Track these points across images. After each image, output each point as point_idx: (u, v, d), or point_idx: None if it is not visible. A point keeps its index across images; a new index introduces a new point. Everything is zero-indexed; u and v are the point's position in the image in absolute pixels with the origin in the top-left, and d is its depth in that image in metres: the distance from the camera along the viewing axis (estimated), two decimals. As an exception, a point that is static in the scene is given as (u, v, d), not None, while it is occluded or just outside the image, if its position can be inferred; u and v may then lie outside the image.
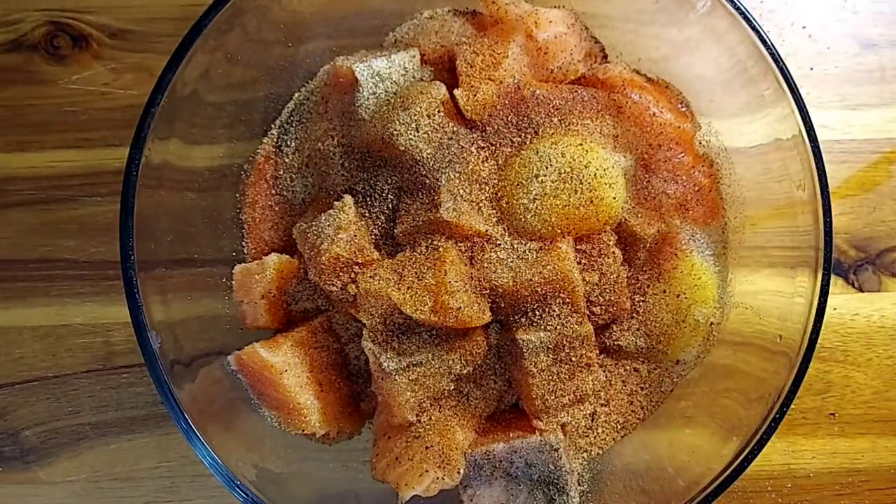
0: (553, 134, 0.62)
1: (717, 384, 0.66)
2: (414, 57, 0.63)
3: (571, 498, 0.61)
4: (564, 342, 0.59)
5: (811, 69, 0.75)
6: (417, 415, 0.60)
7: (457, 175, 0.60)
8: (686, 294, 0.64)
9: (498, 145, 0.62)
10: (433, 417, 0.61)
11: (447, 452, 0.60)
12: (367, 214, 0.62)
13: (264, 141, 0.68)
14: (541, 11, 0.64)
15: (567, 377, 0.60)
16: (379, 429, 0.63)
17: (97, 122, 0.74)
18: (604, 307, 0.62)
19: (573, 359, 0.59)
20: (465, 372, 0.60)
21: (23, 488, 0.72)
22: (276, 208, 0.67)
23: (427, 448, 0.59)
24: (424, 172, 0.60)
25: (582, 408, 0.61)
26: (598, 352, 0.63)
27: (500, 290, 0.59)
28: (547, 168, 0.60)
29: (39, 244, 0.73)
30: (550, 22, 0.64)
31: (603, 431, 0.67)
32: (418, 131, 0.59)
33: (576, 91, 0.63)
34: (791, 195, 0.60)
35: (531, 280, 0.58)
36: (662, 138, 0.63)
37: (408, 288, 0.58)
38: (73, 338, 0.73)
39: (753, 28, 0.58)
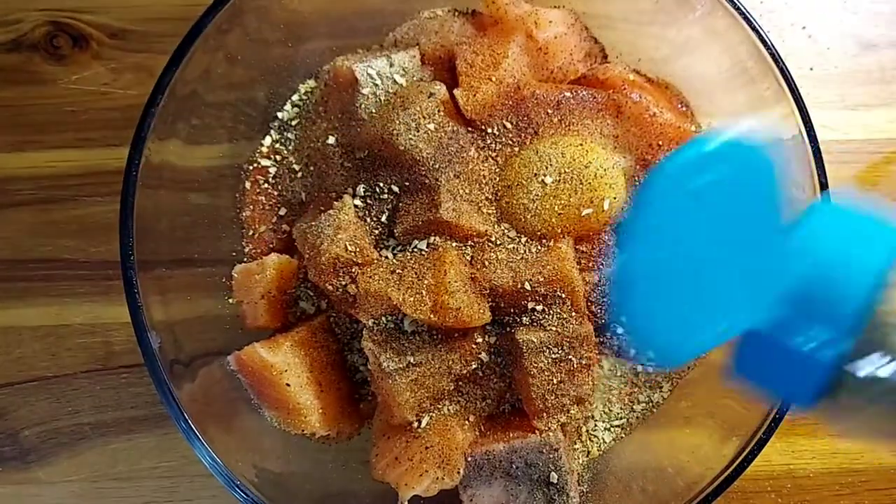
0: (553, 134, 0.62)
1: (717, 384, 0.66)
2: (414, 57, 0.63)
3: (571, 498, 0.61)
4: (564, 342, 0.59)
5: (811, 69, 0.75)
6: (417, 415, 0.60)
7: (457, 175, 0.60)
8: (686, 294, 0.64)
9: (498, 145, 0.62)
10: (433, 417, 0.61)
11: (447, 452, 0.60)
12: (367, 214, 0.62)
13: (264, 141, 0.68)
14: (541, 11, 0.64)
15: (567, 377, 0.60)
16: (379, 429, 0.63)
17: (97, 122, 0.74)
18: (604, 307, 0.62)
19: (573, 359, 0.59)
20: (465, 372, 0.60)
21: (22, 488, 0.72)
22: (276, 208, 0.67)
23: (427, 448, 0.59)
24: (424, 172, 0.60)
25: (582, 408, 0.61)
26: (598, 352, 0.63)
27: (500, 290, 0.59)
28: (547, 168, 0.60)
29: (39, 244, 0.73)
30: (550, 22, 0.64)
31: (603, 431, 0.67)
32: (418, 131, 0.59)
33: (576, 91, 0.63)
34: (791, 196, 0.60)
35: (531, 280, 0.58)
36: (662, 138, 0.63)
37: (408, 288, 0.58)
38: (72, 338, 0.73)
39: (753, 28, 0.58)
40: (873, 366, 0.30)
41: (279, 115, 0.69)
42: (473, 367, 0.61)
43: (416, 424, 0.60)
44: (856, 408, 0.31)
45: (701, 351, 0.33)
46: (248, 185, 0.68)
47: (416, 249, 0.60)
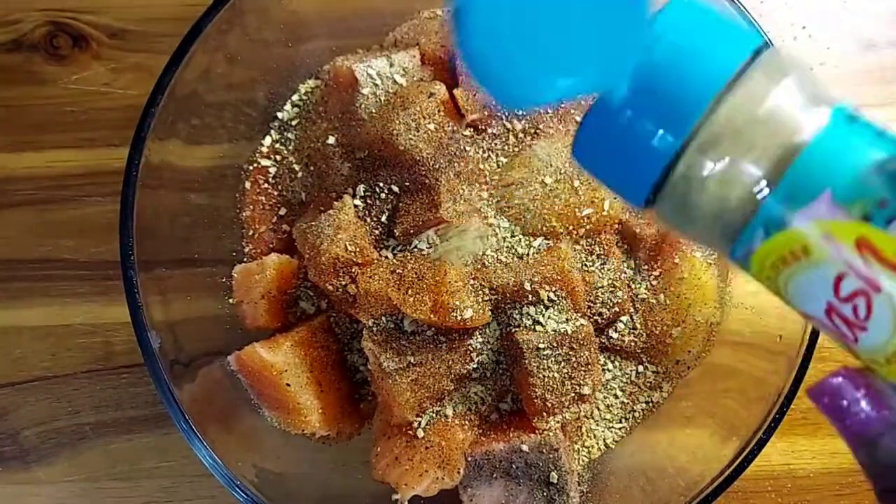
0: (553, 134, 0.62)
1: (717, 384, 0.66)
2: (414, 57, 0.63)
3: (571, 498, 0.61)
4: (564, 342, 0.59)
5: (811, 69, 0.75)
6: (417, 415, 0.60)
7: (457, 175, 0.60)
8: (686, 294, 0.64)
9: (498, 145, 0.62)
10: (433, 417, 0.61)
11: (447, 452, 0.60)
12: (367, 214, 0.62)
13: (264, 141, 0.68)
14: (541, 11, 0.64)
15: (567, 377, 0.60)
16: (379, 429, 0.63)
17: (97, 122, 0.74)
18: (604, 307, 0.62)
19: (573, 359, 0.59)
20: (465, 372, 0.60)
21: (22, 488, 0.72)
22: (276, 208, 0.67)
23: (427, 448, 0.59)
24: (424, 172, 0.60)
25: (582, 408, 0.61)
26: (598, 352, 0.63)
27: (500, 290, 0.59)
28: (547, 168, 0.60)
29: (39, 244, 0.73)
30: (550, 22, 0.64)
31: (603, 431, 0.67)
32: (418, 131, 0.59)
33: (576, 91, 0.63)
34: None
35: (531, 280, 0.58)
36: (662, 138, 0.63)
37: (408, 288, 0.58)
38: (73, 338, 0.73)
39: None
40: (706, 165, 0.30)
41: (279, 115, 0.69)
42: (473, 367, 0.61)
43: (416, 424, 0.60)
44: (683, 207, 0.31)
45: (542, 101, 0.31)
46: (248, 185, 0.68)
47: (416, 249, 0.60)
